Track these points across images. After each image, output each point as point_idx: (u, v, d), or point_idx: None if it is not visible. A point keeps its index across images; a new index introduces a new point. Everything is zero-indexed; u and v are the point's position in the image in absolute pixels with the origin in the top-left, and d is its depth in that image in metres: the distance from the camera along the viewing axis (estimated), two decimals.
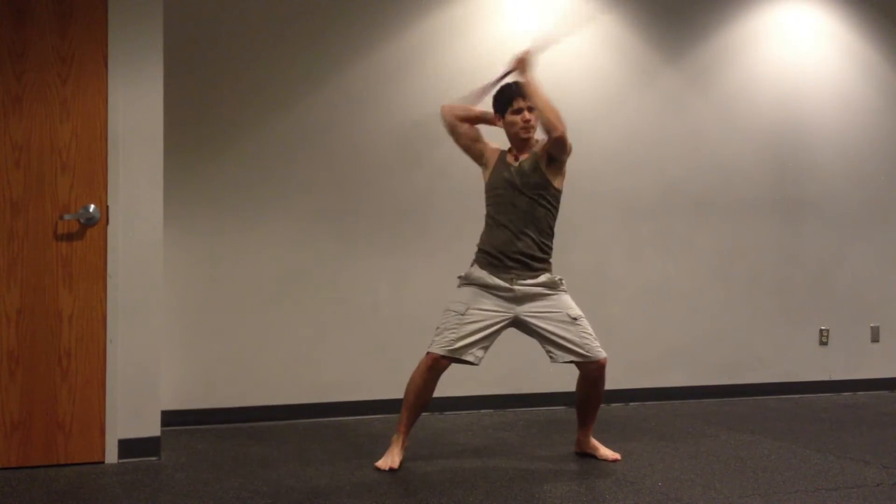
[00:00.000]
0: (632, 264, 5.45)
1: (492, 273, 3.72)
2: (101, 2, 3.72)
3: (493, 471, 3.69)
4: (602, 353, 3.75)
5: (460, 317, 3.68)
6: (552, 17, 5.21)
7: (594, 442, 3.97)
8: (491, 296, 3.72)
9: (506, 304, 3.71)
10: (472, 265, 3.81)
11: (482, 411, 5.02)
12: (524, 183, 3.71)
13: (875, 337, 6.05)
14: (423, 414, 4.78)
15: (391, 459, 3.68)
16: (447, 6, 5.06)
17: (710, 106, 5.65)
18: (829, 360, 5.92)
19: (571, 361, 3.77)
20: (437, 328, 3.74)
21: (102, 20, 3.72)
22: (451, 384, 4.86)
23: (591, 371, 3.77)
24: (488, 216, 3.82)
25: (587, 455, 3.95)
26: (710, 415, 5.02)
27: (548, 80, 4.91)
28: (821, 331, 5.92)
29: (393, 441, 3.76)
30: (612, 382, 5.33)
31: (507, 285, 3.70)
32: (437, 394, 4.88)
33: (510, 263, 3.71)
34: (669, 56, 5.55)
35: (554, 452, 4.03)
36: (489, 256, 3.76)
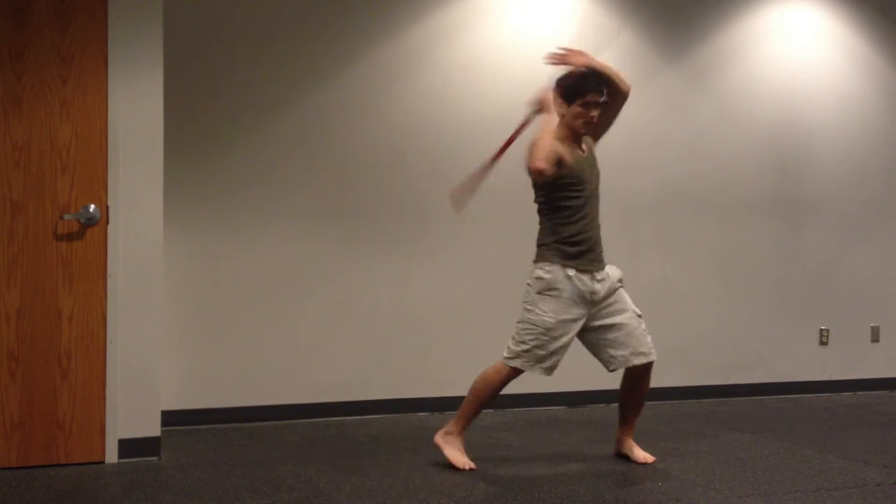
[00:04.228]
0: (632, 264, 5.43)
1: (580, 271, 3.68)
2: (101, 2, 3.72)
3: (493, 471, 3.69)
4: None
5: (547, 332, 3.63)
6: (552, 17, 5.22)
7: (630, 442, 3.94)
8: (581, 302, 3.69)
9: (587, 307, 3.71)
10: (550, 263, 3.68)
11: (482, 411, 5.01)
12: (595, 173, 3.82)
13: (875, 337, 6.05)
14: (422, 414, 4.81)
15: (464, 459, 3.69)
16: (447, 6, 5.05)
17: (710, 106, 5.65)
18: (829, 360, 5.91)
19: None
20: (524, 342, 3.66)
21: (102, 20, 3.72)
22: (450, 384, 4.87)
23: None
24: (568, 209, 3.73)
25: (622, 456, 3.92)
26: (710, 415, 5.02)
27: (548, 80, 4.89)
28: (821, 331, 5.92)
29: (452, 441, 3.74)
30: (612, 382, 5.35)
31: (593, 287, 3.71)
32: (435, 394, 4.93)
33: (593, 256, 3.76)
34: (669, 56, 5.54)
35: (554, 452, 4.03)
36: (578, 248, 3.73)
